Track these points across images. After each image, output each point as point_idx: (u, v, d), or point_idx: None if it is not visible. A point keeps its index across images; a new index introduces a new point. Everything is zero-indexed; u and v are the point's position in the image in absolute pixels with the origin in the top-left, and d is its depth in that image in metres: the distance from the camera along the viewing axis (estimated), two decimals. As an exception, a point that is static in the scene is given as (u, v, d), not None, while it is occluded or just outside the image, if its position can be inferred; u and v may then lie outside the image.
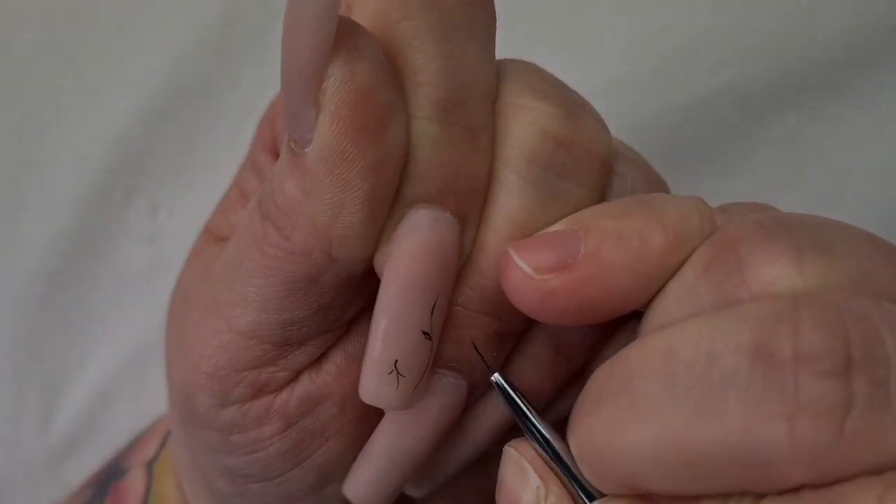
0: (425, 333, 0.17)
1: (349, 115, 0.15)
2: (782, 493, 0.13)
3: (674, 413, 0.13)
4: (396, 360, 0.17)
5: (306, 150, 0.16)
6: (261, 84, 0.34)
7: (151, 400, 0.34)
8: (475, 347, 0.17)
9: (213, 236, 0.22)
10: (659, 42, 0.32)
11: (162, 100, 0.34)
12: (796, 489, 0.13)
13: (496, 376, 0.17)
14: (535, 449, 0.16)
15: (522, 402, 0.17)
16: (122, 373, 0.34)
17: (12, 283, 0.34)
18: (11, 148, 0.34)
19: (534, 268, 0.16)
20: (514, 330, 0.18)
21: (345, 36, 0.15)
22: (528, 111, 0.17)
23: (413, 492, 0.21)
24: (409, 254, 0.16)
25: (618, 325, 0.19)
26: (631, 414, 0.14)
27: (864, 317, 0.13)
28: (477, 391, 0.19)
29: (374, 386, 0.17)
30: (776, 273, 0.14)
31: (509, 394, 0.17)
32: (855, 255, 0.14)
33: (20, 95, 0.34)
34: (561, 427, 0.16)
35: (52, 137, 0.34)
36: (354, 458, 0.20)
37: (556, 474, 0.16)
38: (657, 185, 0.20)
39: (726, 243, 0.15)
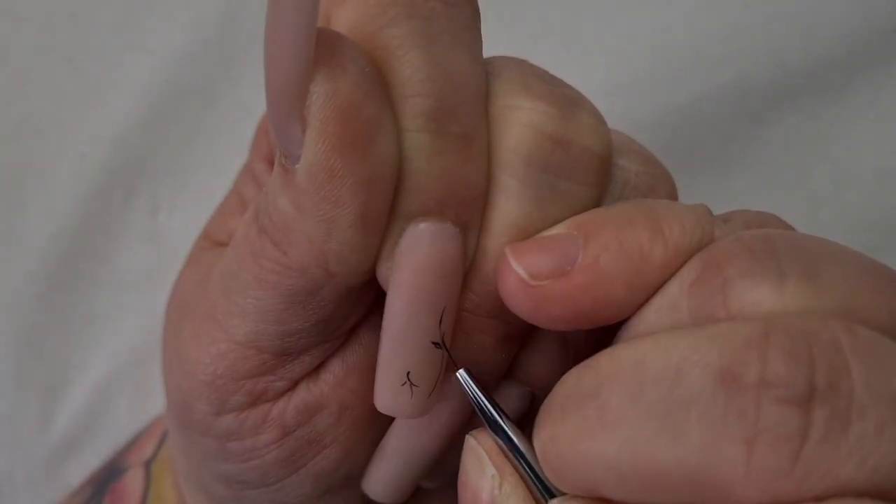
0: (435, 343, 0.17)
1: (335, 132, 0.15)
2: None
3: (637, 427, 0.13)
4: (408, 372, 0.17)
5: (296, 166, 0.15)
6: (260, 84, 0.34)
7: (151, 400, 0.34)
8: (443, 343, 0.17)
9: (212, 241, 0.22)
10: (659, 42, 0.32)
11: (162, 100, 0.34)
12: None
13: (460, 372, 0.17)
14: (494, 440, 0.17)
15: (486, 397, 0.17)
16: (122, 372, 0.34)
17: (12, 283, 0.34)
18: (11, 148, 0.34)
19: (530, 273, 0.16)
20: (522, 330, 0.18)
21: (327, 49, 0.15)
22: (523, 112, 0.17)
23: (427, 484, 0.21)
24: (413, 269, 0.16)
25: (626, 319, 0.19)
26: (596, 423, 0.14)
27: (833, 345, 0.13)
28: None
29: (388, 397, 0.17)
30: (757, 297, 0.14)
31: (473, 389, 0.17)
32: (842, 283, 0.14)
33: (20, 95, 0.34)
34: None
35: (52, 137, 0.34)
36: (352, 466, 0.20)
37: (513, 466, 0.16)
38: (662, 177, 0.19)
39: (713, 262, 0.15)
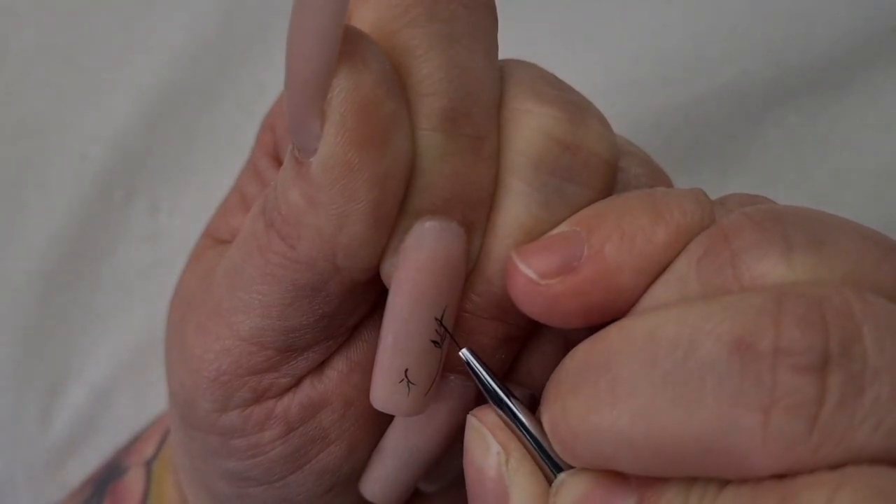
0: (434, 342, 0.17)
1: (355, 127, 0.15)
2: (745, 482, 0.13)
3: (651, 399, 0.13)
4: (407, 369, 0.17)
5: (311, 159, 0.15)
6: (260, 83, 0.34)
7: (151, 400, 0.34)
8: (440, 323, 0.17)
9: (214, 240, 0.22)
10: (659, 42, 0.32)
11: (161, 100, 0.34)
12: (759, 479, 0.13)
13: (464, 351, 0.17)
14: (499, 416, 0.17)
15: (490, 377, 0.17)
16: (121, 373, 0.34)
17: (12, 283, 0.34)
18: (11, 148, 0.34)
19: (539, 273, 0.16)
20: (523, 332, 0.18)
21: (350, 45, 0.15)
22: (532, 116, 0.17)
23: (426, 487, 0.21)
24: (417, 266, 0.16)
25: None
26: (608, 396, 0.14)
27: (845, 312, 0.13)
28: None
29: (385, 394, 0.17)
30: (766, 268, 0.14)
31: (476, 368, 0.17)
32: (848, 252, 0.14)
33: (20, 95, 0.34)
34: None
35: (52, 137, 0.34)
36: (356, 463, 0.20)
37: (520, 441, 0.16)
38: (660, 178, 0.20)
39: (720, 237, 0.15)
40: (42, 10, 0.34)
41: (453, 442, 0.19)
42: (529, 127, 0.17)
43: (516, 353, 0.19)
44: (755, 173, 0.33)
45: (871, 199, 0.32)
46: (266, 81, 0.34)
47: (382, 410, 0.18)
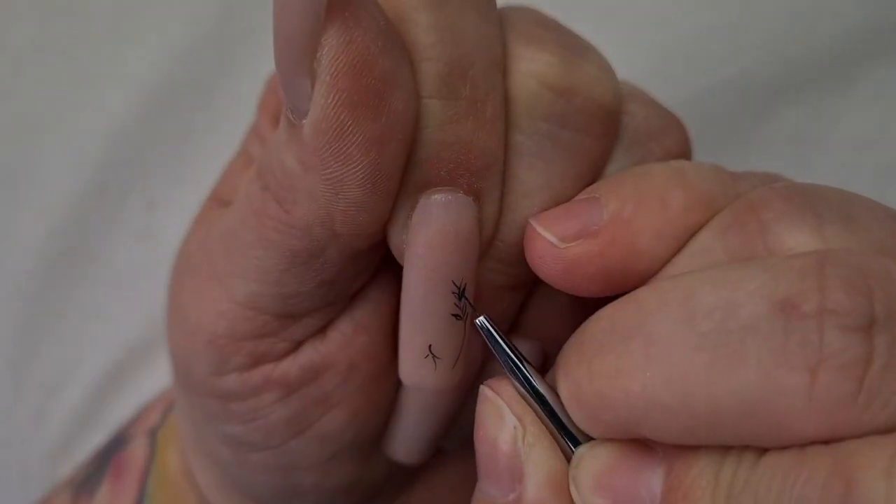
0: (455, 315, 0.17)
1: (346, 87, 0.14)
2: (786, 448, 0.13)
3: (688, 361, 0.13)
4: (430, 345, 0.17)
5: (303, 121, 0.15)
6: (258, 78, 0.34)
7: (148, 398, 0.34)
8: (462, 293, 0.17)
9: (219, 202, 0.21)
10: (660, 38, 0.32)
11: (157, 95, 0.34)
12: (802, 445, 0.13)
13: (480, 319, 0.17)
14: (515, 388, 0.16)
15: (507, 344, 0.16)
16: (117, 370, 0.34)
17: (8, 280, 0.33)
18: (6, 144, 0.34)
19: (558, 237, 0.16)
20: (524, 281, 0.18)
21: (341, 0, 0.14)
22: (524, 62, 0.17)
23: (447, 444, 0.21)
24: (427, 242, 0.16)
25: None
26: (641, 357, 0.13)
27: (887, 276, 0.13)
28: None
29: (412, 369, 0.17)
30: (798, 239, 0.14)
31: (493, 336, 0.16)
32: (876, 228, 0.14)
33: (15, 91, 0.34)
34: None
35: (47, 133, 0.34)
36: (359, 429, 0.19)
37: (536, 414, 0.16)
38: (671, 122, 0.19)
39: (747, 209, 0.15)
40: (38, 4, 0.34)
41: (468, 394, 0.19)
42: (520, 72, 0.17)
43: (520, 301, 0.19)
44: (757, 169, 0.32)
45: (876, 195, 0.32)
46: (263, 75, 0.33)
47: (411, 386, 0.18)
